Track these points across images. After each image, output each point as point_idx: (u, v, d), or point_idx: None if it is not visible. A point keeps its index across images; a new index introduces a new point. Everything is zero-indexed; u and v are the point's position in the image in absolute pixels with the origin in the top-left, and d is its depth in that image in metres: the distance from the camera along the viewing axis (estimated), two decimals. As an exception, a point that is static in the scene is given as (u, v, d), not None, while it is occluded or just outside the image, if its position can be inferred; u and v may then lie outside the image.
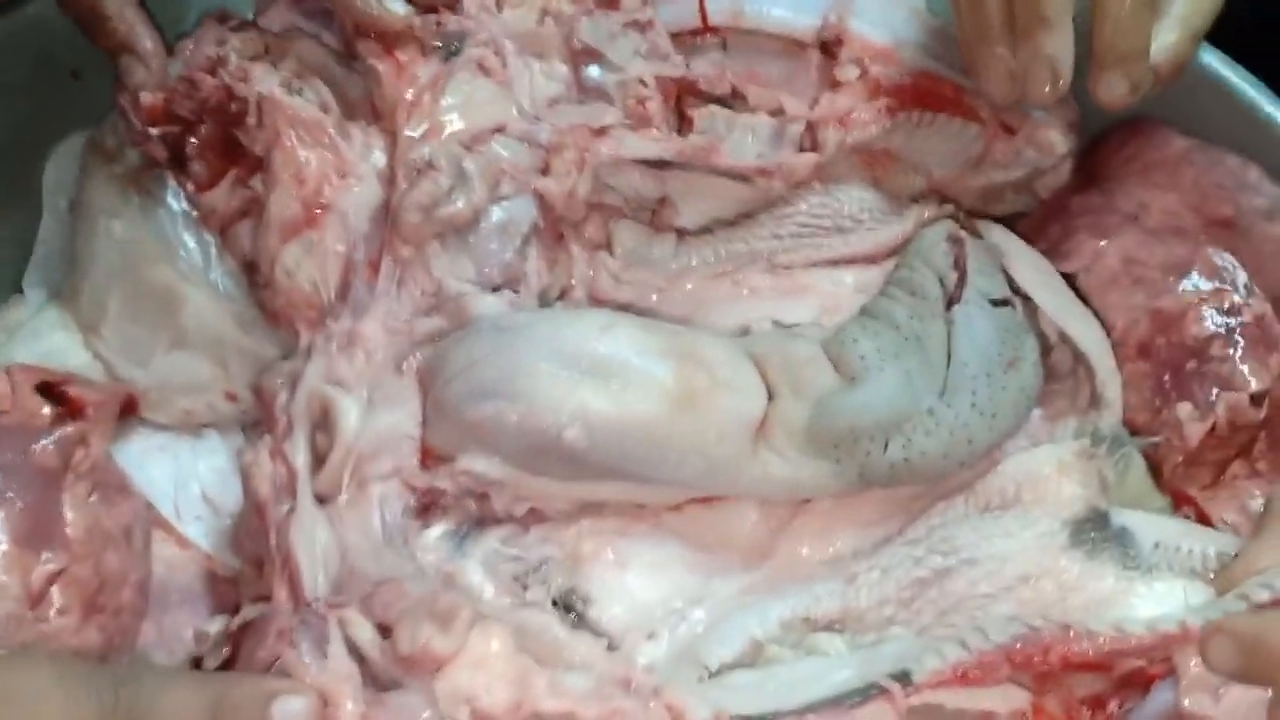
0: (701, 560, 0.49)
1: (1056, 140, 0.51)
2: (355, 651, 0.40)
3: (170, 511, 0.50)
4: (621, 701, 0.40)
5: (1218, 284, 0.52)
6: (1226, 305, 0.51)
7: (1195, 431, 0.50)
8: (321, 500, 0.45)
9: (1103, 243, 0.53)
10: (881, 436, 0.46)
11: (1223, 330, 0.51)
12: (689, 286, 0.53)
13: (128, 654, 0.45)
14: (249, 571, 0.46)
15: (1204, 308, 0.52)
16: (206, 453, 0.52)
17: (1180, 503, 0.51)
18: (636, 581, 0.47)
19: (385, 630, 0.40)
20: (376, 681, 0.40)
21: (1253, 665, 0.35)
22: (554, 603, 0.46)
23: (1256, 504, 0.50)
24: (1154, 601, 0.44)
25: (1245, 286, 0.52)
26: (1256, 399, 0.50)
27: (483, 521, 0.47)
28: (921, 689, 0.41)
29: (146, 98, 0.49)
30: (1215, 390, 0.50)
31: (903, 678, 0.41)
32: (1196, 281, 0.53)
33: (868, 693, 0.41)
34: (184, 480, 0.52)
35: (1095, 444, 0.48)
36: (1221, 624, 0.36)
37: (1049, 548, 0.47)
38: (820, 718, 0.40)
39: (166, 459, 0.52)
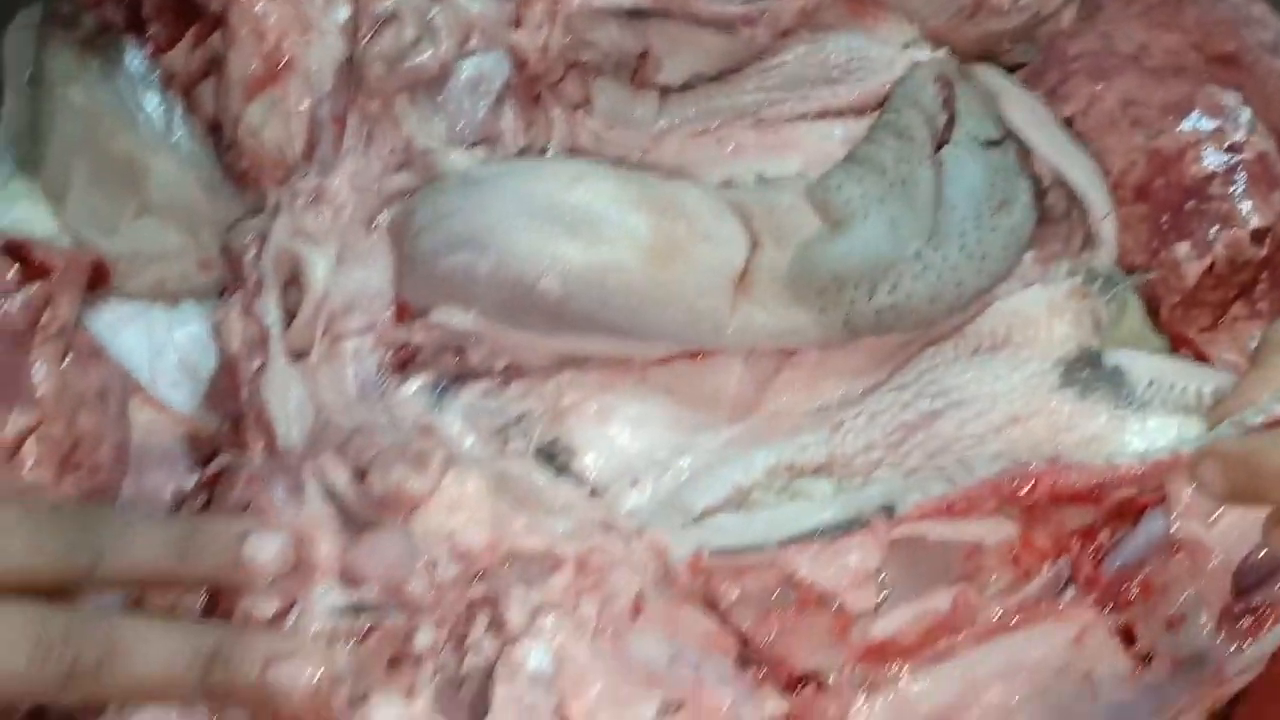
0: (686, 415, 0.48)
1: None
2: (331, 496, 0.39)
3: (147, 378, 0.50)
4: (602, 539, 0.40)
5: (1219, 122, 0.51)
6: (1227, 143, 0.50)
7: (1193, 271, 0.49)
8: (295, 357, 0.45)
9: (1100, 85, 0.52)
10: (867, 283, 0.45)
11: (1223, 168, 0.49)
12: (673, 145, 0.51)
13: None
14: (226, 431, 0.46)
15: (1204, 147, 0.50)
16: (182, 321, 0.51)
17: (1179, 345, 0.49)
18: (620, 434, 0.46)
19: (361, 475, 0.40)
20: (352, 524, 0.40)
21: (1246, 485, 0.34)
22: (536, 454, 0.45)
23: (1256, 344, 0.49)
24: (1146, 438, 0.44)
25: (1248, 124, 0.51)
26: (1257, 236, 0.49)
27: (461, 377, 0.46)
28: (904, 521, 0.40)
29: (98, -43, 0.47)
30: (1214, 228, 0.49)
31: (886, 511, 0.41)
32: (1197, 121, 0.51)
33: (850, 526, 0.40)
34: (159, 348, 0.51)
35: (1088, 283, 0.47)
36: (1214, 446, 0.35)
37: (1040, 388, 0.46)
38: (801, 549, 0.40)
39: (140, 328, 0.51)
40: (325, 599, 0.38)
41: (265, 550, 0.36)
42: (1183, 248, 0.49)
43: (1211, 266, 0.49)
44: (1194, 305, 0.50)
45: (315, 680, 0.35)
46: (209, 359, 0.50)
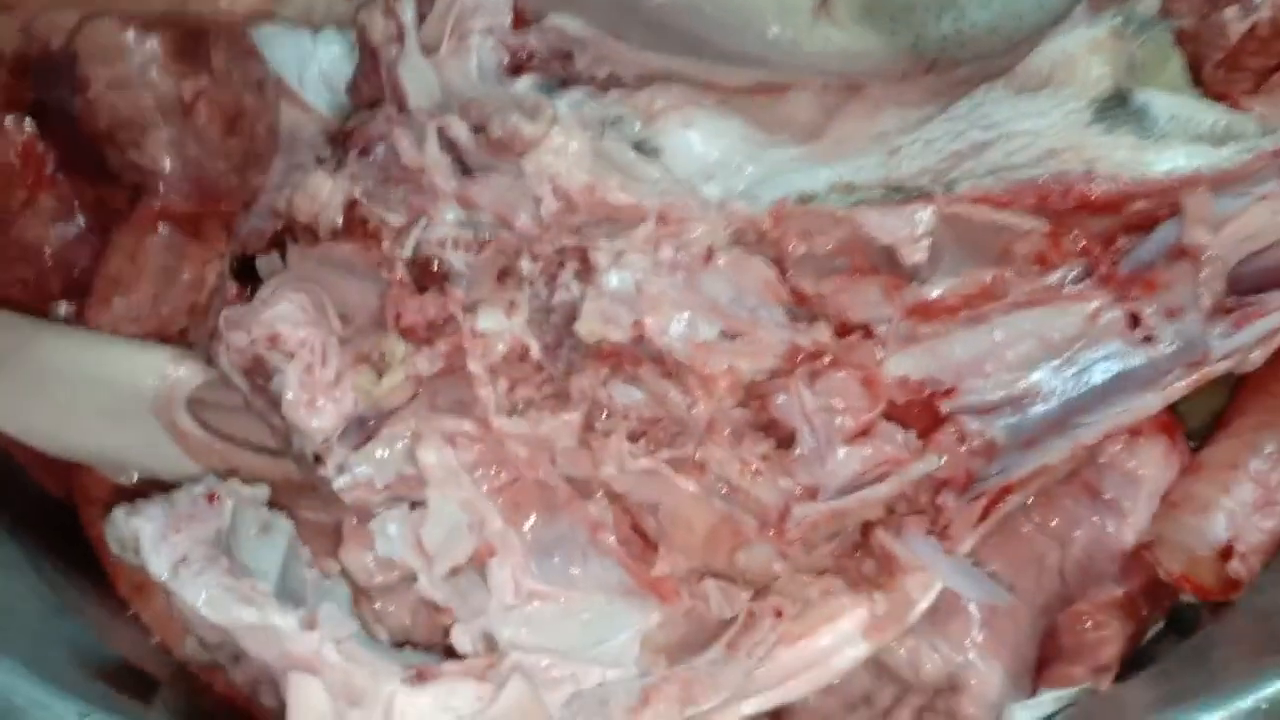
0: (759, 135, 0.53)
1: None
2: (451, 146, 0.46)
3: (295, 83, 0.57)
4: (685, 199, 0.46)
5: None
6: (1285, -79, 0.53)
7: (1236, 29, 0.53)
8: (427, 50, 0.52)
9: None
10: (936, 8, 0.50)
11: (1277, -57, 0.53)
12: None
13: (261, 176, 0.52)
14: (364, 114, 0.53)
15: (1262, -81, 0.54)
16: (325, 42, 0.59)
17: (1220, 100, 0.54)
18: (700, 140, 0.52)
19: (478, 129, 0.46)
20: (469, 173, 0.46)
21: None
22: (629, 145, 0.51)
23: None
24: (1164, 164, 0.48)
25: (1306, -94, 0.54)
26: (1301, 3, 0.53)
27: (567, 81, 0.52)
28: (959, 201, 0.46)
29: None
30: (1261, -7, 0.53)
31: (946, 187, 0.46)
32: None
33: (912, 194, 0.46)
34: (305, 61, 0.58)
35: (1127, 24, 0.51)
36: None
37: (1075, 124, 0.50)
38: (870, 208, 0.45)
39: (291, 44, 0.58)
40: (449, 213, 0.45)
41: None
42: (1231, 10, 0.53)
43: (1254, 28, 0.53)
44: (1236, 68, 0.54)
45: None
46: (346, 74, 0.57)
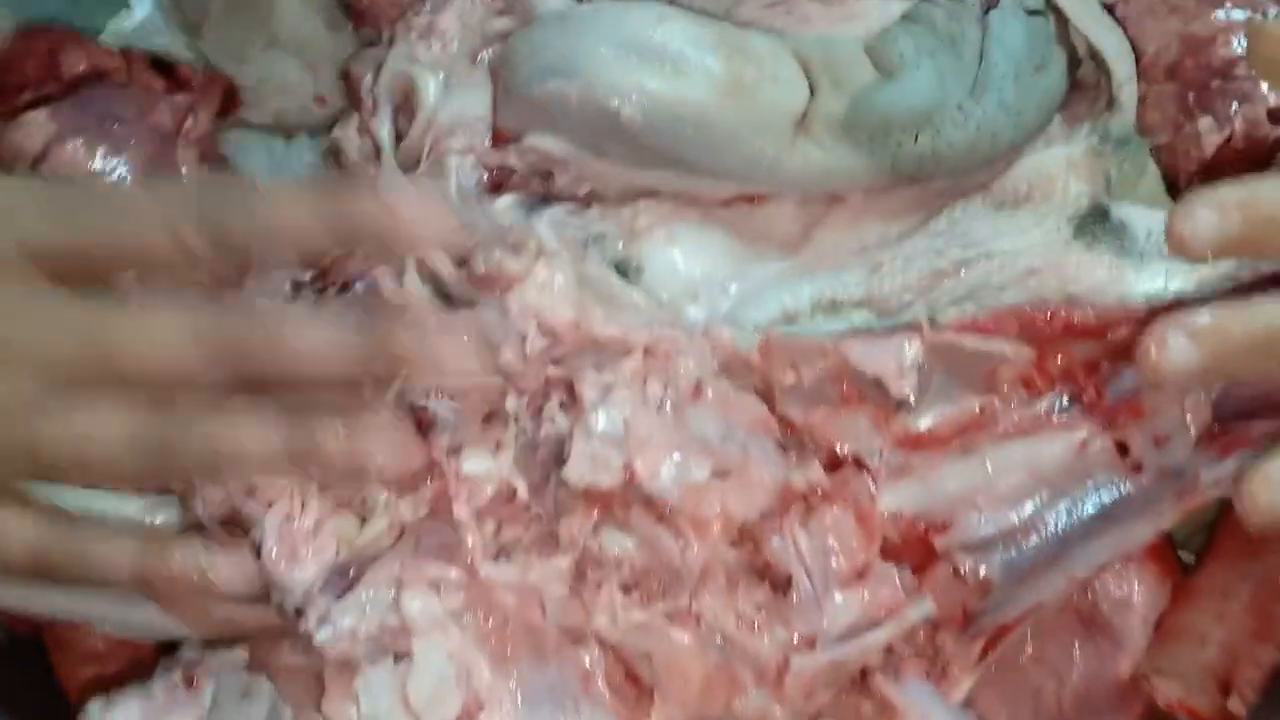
0: (742, 248, 0.53)
1: None
2: (432, 279, 0.45)
3: (267, 196, 0.56)
4: (669, 331, 0.46)
5: (1249, 12, 0.55)
6: (1255, 31, 0.54)
7: (1212, 142, 0.53)
8: (404, 170, 0.51)
9: (1141, -25, 0.56)
10: (913, 128, 0.50)
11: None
12: (747, 13, 0.56)
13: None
14: (339, 236, 0.52)
15: (1234, 33, 0.55)
16: (299, 150, 0.58)
17: (1194, 212, 0.54)
18: (683, 257, 0.52)
19: (460, 263, 0.46)
20: (452, 306, 0.46)
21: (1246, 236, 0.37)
22: (611, 266, 0.51)
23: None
24: (1144, 284, 0.48)
25: (1276, 15, 0.55)
26: (1274, 114, 0.53)
27: (547, 198, 0.52)
28: (944, 330, 0.46)
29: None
30: (1235, 104, 0.54)
31: (930, 320, 0.46)
32: (1230, 11, 0.55)
33: (896, 316, 0.46)
34: (279, 171, 0.57)
35: (1103, 142, 0.51)
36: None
37: (1055, 243, 0.50)
38: (856, 338, 0.45)
39: (262, 152, 0.57)
40: (433, 356, 0.43)
41: (411, 204, 0.36)
42: (1205, 121, 0.54)
43: (1229, 139, 0.53)
44: (1211, 177, 0.55)
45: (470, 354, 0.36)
46: (321, 184, 0.56)
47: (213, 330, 0.37)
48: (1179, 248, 0.38)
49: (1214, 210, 0.38)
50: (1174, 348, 0.38)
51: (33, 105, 0.49)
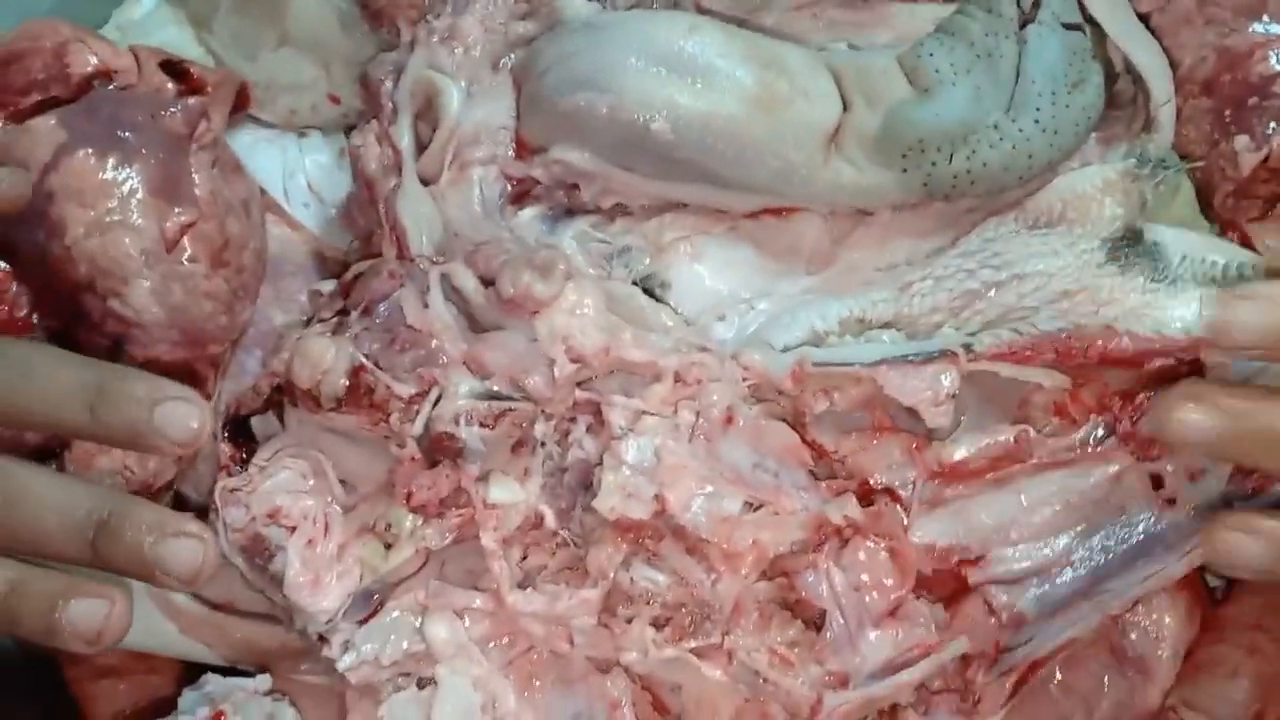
0: (769, 264, 0.52)
1: None
2: (459, 300, 0.44)
3: (280, 196, 0.55)
4: (699, 356, 0.45)
5: (1289, 25, 0.54)
6: (1294, 47, 0.53)
7: (1249, 161, 0.52)
8: (425, 182, 0.49)
9: (1177, -16, 0.55)
10: (948, 147, 0.49)
11: (1287, 70, 0.53)
12: (769, 21, 0.55)
13: (250, 308, 0.49)
14: (359, 246, 0.50)
15: (1272, 48, 0.53)
16: (311, 149, 0.56)
17: (1228, 231, 0.53)
18: (709, 274, 0.51)
19: (487, 282, 0.44)
20: (477, 327, 0.44)
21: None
22: (635, 285, 0.50)
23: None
24: (1177, 309, 0.47)
25: (1316, 30, 0.54)
26: (1313, 135, 0.53)
27: (571, 211, 0.50)
28: (980, 358, 0.45)
29: None
30: (1273, 124, 0.53)
31: (965, 346, 0.45)
32: (1268, 24, 0.54)
33: (933, 355, 0.45)
34: (291, 171, 0.56)
35: (1141, 164, 0.50)
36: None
37: (1088, 265, 0.49)
38: (891, 367, 0.44)
39: (275, 151, 0.56)
40: (462, 384, 0.42)
41: (176, 423, 0.35)
42: (1242, 140, 0.53)
43: (1267, 159, 0.52)
44: (1246, 196, 0.54)
45: (200, 561, 0.35)
46: (335, 185, 0.55)
47: None
48: None
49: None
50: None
51: (40, 108, 0.47)
